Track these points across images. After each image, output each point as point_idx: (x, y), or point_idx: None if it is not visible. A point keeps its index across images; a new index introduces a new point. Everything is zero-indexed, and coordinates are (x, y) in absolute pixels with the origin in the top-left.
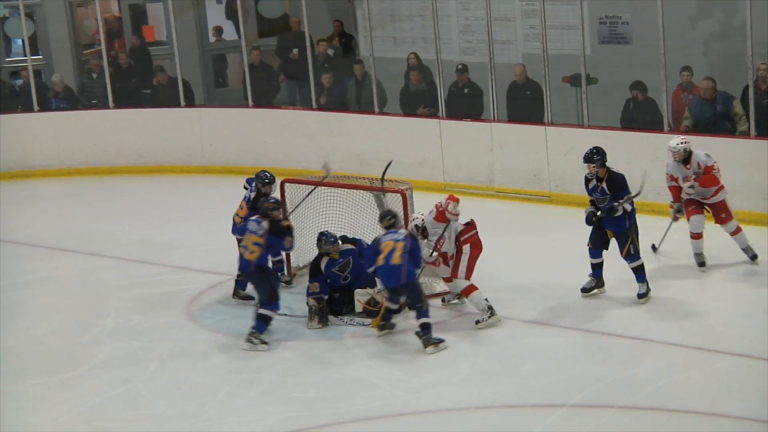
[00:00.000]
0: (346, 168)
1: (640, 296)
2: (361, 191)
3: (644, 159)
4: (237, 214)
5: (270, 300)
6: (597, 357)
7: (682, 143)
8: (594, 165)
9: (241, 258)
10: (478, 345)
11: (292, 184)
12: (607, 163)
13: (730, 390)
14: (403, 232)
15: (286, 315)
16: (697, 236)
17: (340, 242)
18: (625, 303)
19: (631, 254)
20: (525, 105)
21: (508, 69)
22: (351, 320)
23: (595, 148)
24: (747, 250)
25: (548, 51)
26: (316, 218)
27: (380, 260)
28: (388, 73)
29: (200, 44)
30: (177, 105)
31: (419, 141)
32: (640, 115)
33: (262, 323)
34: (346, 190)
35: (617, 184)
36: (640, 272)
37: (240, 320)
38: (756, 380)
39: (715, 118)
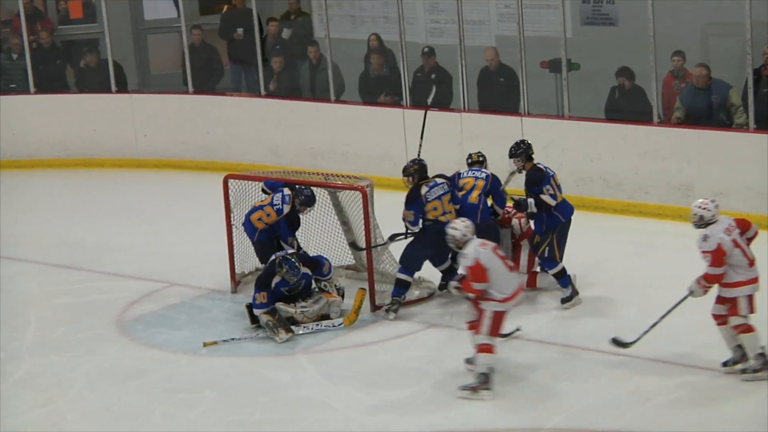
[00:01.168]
0: (297, 162)
1: (563, 300)
2: (314, 188)
3: (631, 153)
4: (261, 219)
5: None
6: (578, 374)
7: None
8: (519, 159)
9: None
10: (444, 362)
11: (236, 181)
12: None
13: (724, 411)
14: (485, 171)
15: (233, 340)
16: None
17: (301, 267)
18: (609, 315)
19: (545, 257)
20: (498, 93)
21: (480, 52)
22: (317, 325)
23: (519, 141)
24: None
25: (525, 33)
26: None
27: (458, 195)
28: (346, 56)
29: (134, 22)
30: (107, 90)
31: (380, 133)
32: (626, 105)
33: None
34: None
35: (530, 181)
36: (560, 278)
37: (177, 333)
38: (751, 400)
39: (709, 109)
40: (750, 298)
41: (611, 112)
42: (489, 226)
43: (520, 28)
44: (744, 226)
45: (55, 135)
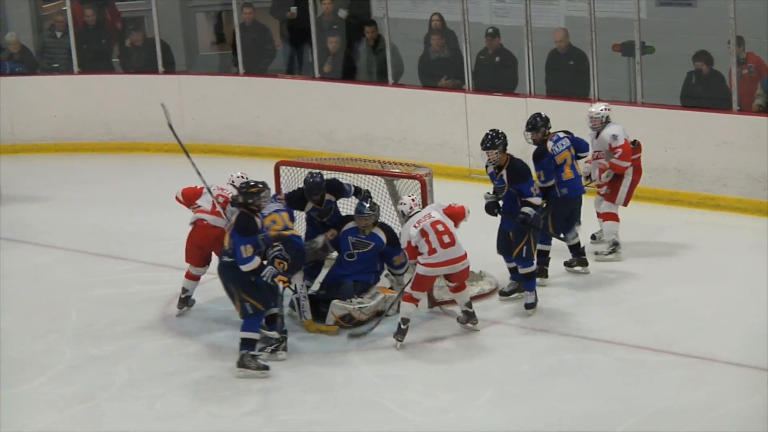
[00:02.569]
0: (352, 149)
1: (528, 306)
2: (370, 176)
3: (708, 143)
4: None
5: None
6: (646, 378)
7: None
8: (496, 152)
9: None
10: (504, 361)
11: (288, 168)
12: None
13: None
14: (559, 134)
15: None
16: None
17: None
18: (682, 315)
19: (522, 257)
20: (567, 77)
21: (548, 34)
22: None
23: (493, 132)
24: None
25: (596, 13)
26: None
27: (569, 174)
28: (405, 37)
29: None
30: (154, 71)
31: (441, 118)
32: (704, 92)
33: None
34: (352, 174)
35: (518, 174)
36: (529, 280)
37: (224, 327)
38: None
39: None
40: (422, 279)
41: (687, 98)
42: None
43: (591, 9)
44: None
45: (98, 118)
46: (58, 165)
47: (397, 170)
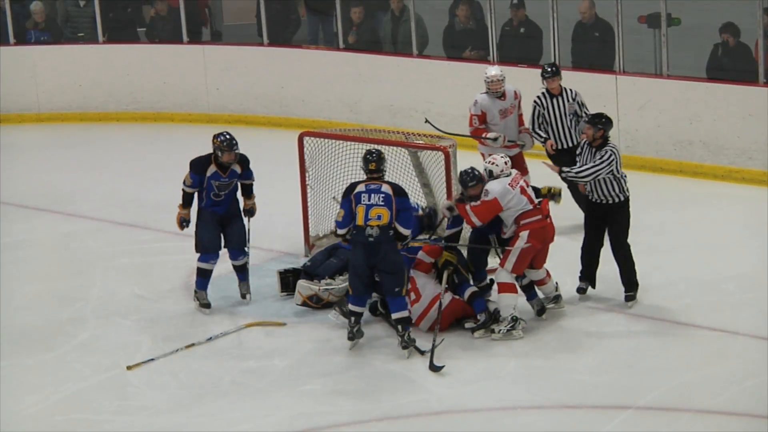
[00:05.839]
0: (376, 120)
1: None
2: (393, 148)
3: (734, 116)
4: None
5: None
6: (671, 351)
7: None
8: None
9: None
10: (528, 334)
11: (311, 139)
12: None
13: None
14: None
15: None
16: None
17: None
18: (706, 288)
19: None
20: (592, 49)
21: (573, 5)
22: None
23: (472, 169)
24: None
25: None
26: (338, 179)
27: None
28: (431, 7)
29: None
30: (179, 41)
31: (465, 90)
32: (730, 64)
33: None
34: (375, 146)
35: None
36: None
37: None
38: None
39: None
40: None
41: (713, 70)
42: None
43: None
44: None
45: (123, 87)
46: (83, 134)
47: (421, 142)
